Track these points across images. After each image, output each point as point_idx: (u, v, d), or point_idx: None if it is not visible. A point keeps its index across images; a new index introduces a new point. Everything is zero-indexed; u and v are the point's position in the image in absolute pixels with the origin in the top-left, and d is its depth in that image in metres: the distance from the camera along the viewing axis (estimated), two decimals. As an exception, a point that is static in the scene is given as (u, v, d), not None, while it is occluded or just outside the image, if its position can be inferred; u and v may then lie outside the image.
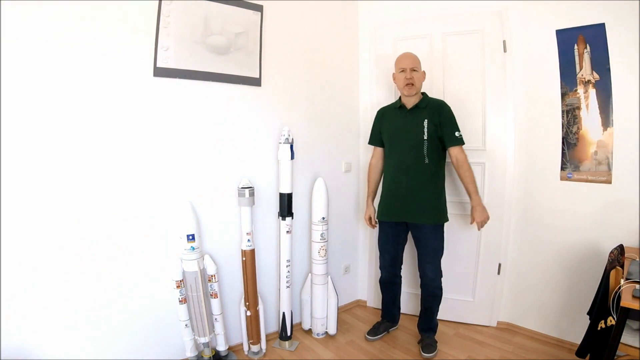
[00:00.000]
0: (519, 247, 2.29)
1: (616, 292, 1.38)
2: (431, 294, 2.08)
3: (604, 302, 1.50)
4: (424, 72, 2.06)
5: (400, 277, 2.27)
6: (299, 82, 2.27)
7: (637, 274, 1.42)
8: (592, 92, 1.94)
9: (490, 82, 2.23)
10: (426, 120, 1.96)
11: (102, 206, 1.64)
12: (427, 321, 2.15)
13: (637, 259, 1.61)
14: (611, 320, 1.41)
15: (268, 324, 2.20)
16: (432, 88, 2.28)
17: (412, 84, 1.97)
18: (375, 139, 2.22)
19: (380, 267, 2.26)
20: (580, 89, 1.98)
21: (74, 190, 1.56)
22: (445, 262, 2.10)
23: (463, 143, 1.99)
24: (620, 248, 1.65)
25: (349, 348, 2.19)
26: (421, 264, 2.08)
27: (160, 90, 1.75)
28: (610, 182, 1.93)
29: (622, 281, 1.39)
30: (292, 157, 2.03)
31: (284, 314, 2.16)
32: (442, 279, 2.09)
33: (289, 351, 2.15)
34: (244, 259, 1.99)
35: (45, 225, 1.51)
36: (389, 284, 2.26)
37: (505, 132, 2.23)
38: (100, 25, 1.55)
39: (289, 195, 2.06)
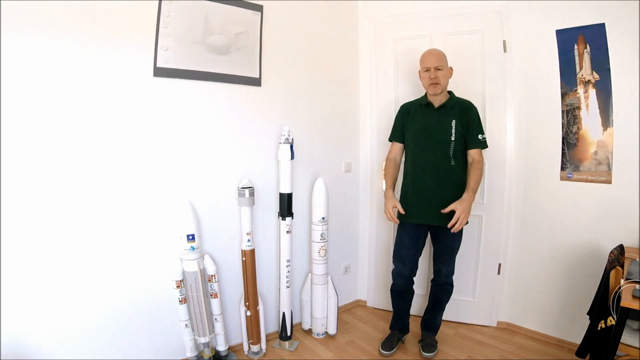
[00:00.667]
0: (518, 247, 2.29)
1: (616, 292, 1.38)
2: (443, 288, 2.07)
3: (604, 302, 1.50)
4: (450, 69, 1.95)
5: (414, 282, 2.13)
6: (299, 82, 2.27)
7: (637, 274, 1.42)
8: (592, 92, 1.94)
9: (490, 82, 2.23)
10: (454, 120, 1.89)
11: (102, 206, 1.64)
12: (432, 318, 2.13)
13: (637, 259, 1.61)
14: (611, 320, 1.41)
15: (268, 324, 2.20)
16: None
17: (438, 84, 1.89)
18: (397, 135, 2.08)
19: (396, 275, 2.09)
20: (580, 89, 1.98)
21: (74, 190, 1.56)
22: (445, 262, 2.11)
23: (486, 147, 1.92)
24: (620, 248, 1.65)
25: (349, 348, 2.19)
26: (437, 261, 2.05)
27: (160, 90, 1.75)
28: (610, 182, 1.93)
29: (622, 281, 1.39)
30: (292, 157, 2.03)
31: (284, 314, 2.16)
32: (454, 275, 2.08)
33: (289, 351, 2.15)
34: (244, 259, 1.99)
35: (46, 225, 1.51)
36: (404, 293, 2.11)
37: (505, 131, 2.23)
38: (100, 25, 1.55)
39: (289, 195, 2.06)
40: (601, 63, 1.89)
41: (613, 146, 1.91)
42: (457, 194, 1.88)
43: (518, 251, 2.30)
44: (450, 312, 2.40)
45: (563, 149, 2.07)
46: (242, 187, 1.92)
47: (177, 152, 1.83)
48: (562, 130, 2.06)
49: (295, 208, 2.18)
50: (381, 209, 2.28)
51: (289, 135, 2.01)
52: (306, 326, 2.35)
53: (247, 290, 2.00)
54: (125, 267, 1.72)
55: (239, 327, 2.06)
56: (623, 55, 1.83)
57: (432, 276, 2.14)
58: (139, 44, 1.66)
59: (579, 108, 1.99)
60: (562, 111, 2.05)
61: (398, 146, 2.09)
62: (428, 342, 2.10)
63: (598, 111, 1.94)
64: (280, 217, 2.08)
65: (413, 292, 2.15)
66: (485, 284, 2.37)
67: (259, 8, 2.00)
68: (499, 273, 2.34)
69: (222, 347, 1.96)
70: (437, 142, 1.91)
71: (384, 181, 2.10)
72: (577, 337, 1.88)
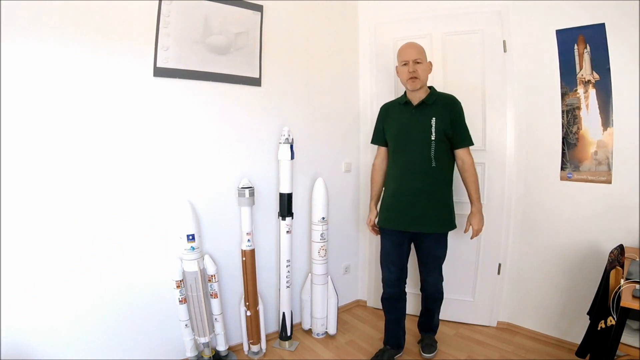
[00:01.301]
0: (518, 247, 2.29)
1: (616, 292, 1.38)
2: (432, 297, 2.03)
3: (604, 302, 1.50)
4: (429, 64, 1.86)
5: (406, 292, 2.04)
6: (299, 82, 2.27)
7: (637, 274, 1.42)
8: (592, 92, 1.94)
9: (490, 82, 2.22)
10: (434, 118, 1.78)
11: (102, 206, 1.64)
12: (428, 321, 2.12)
13: (637, 259, 1.61)
14: (611, 320, 1.41)
15: (268, 324, 2.20)
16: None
17: (416, 78, 1.78)
18: (379, 138, 2.01)
19: (385, 283, 2.00)
20: (580, 89, 1.98)
21: (74, 190, 1.56)
22: (445, 263, 2.08)
23: (472, 144, 1.86)
24: (620, 248, 1.65)
25: (349, 348, 2.19)
26: (423, 272, 1.99)
27: (160, 90, 1.75)
28: (610, 182, 1.93)
29: (622, 281, 1.39)
30: (292, 157, 2.03)
31: (284, 314, 2.16)
32: (443, 282, 2.05)
33: (289, 351, 2.15)
34: (244, 259, 1.99)
35: (46, 225, 1.51)
36: (395, 301, 2.00)
37: (505, 132, 2.23)
38: (99, 25, 1.55)
39: (289, 195, 2.06)
40: (601, 63, 1.89)
41: (613, 146, 1.90)
42: (440, 199, 1.83)
43: (518, 251, 2.30)
44: (450, 312, 2.41)
45: (563, 149, 2.07)
46: (242, 187, 1.92)
47: (177, 152, 1.83)
48: (562, 130, 2.06)
49: (295, 208, 2.18)
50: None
51: (289, 135, 2.01)
52: (306, 326, 2.35)
53: (247, 290, 2.00)
54: (125, 267, 1.72)
55: (239, 327, 2.06)
56: (623, 55, 1.83)
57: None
58: (139, 44, 1.66)
59: (579, 108, 1.99)
60: (562, 111, 2.05)
61: (382, 150, 2.03)
62: (428, 342, 2.10)
63: (598, 111, 1.94)
64: (280, 217, 2.08)
65: (405, 301, 2.04)
66: (485, 284, 2.37)
67: (259, 8, 2.00)
68: (498, 273, 2.34)
69: (222, 347, 1.96)
70: (417, 143, 1.81)
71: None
72: (577, 337, 1.88)
